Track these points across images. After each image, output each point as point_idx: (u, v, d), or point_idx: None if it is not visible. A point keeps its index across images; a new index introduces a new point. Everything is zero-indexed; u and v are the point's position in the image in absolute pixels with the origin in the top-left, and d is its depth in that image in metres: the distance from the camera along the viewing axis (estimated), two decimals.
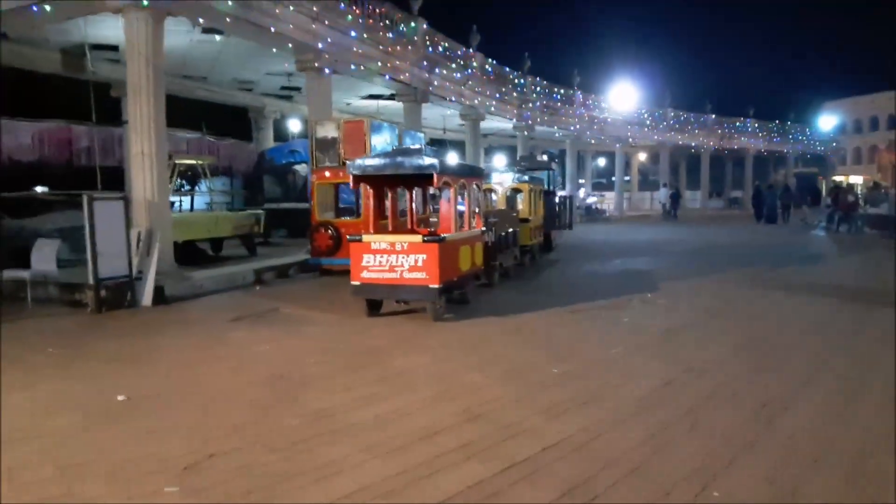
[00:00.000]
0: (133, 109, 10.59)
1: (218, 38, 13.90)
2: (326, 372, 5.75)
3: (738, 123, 44.20)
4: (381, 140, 12.61)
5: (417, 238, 7.64)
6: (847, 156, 56.53)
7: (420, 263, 7.60)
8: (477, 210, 9.71)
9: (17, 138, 16.94)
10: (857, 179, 43.96)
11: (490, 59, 24.88)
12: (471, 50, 23.26)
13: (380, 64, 16.60)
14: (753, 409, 4.54)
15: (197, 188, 20.01)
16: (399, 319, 8.04)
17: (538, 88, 29.50)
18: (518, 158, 19.29)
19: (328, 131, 12.67)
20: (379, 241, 7.83)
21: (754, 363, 5.85)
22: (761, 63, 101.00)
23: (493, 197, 13.45)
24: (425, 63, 19.05)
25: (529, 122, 28.65)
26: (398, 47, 17.23)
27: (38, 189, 15.04)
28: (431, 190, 10.75)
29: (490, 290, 10.42)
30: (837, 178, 39.71)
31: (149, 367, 6.10)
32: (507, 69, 26.82)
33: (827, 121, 51.30)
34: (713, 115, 42.52)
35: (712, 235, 22.93)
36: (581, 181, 44.64)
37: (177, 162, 13.68)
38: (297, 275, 12.78)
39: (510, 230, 11.77)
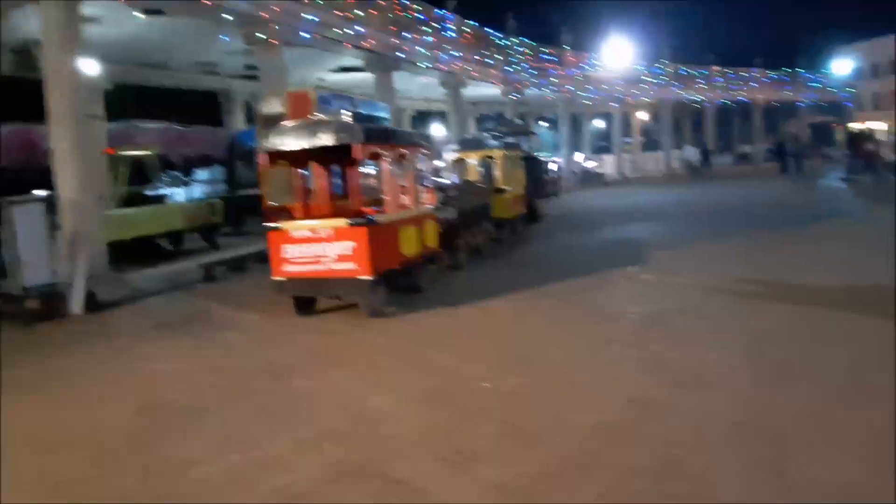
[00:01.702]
0: (52, 102, 9.49)
1: (143, 16, 12.58)
2: (213, 399, 4.61)
3: (743, 74, 42.04)
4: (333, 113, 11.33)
5: (342, 222, 6.40)
6: (864, 101, 53.95)
7: (349, 252, 6.37)
8: (427, 183, 8.46)
9: None
10: (878, 126, 41.63)
11: (468, 21, 23.31)
12: (445, 12, 21.71)
13: (338, 31, 15.20)
14: (758, 453, 3.15)
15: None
16: (332, 318, 6.85)
17: (524, 49, 27.85)
18: (496, 123, 17.90)
19: (273, 107, 11.35)
20: (299, 228, 6.61)
21: (759, 374, 4.34)
22: (766, 7, 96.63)
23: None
24: (393, 28, 17.59)
25: (517, 85, 27.06)
26: (358, 11, 15.79)
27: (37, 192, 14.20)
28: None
29: (455, 272, 9.21)
30: (856, 126, 37.66)
31: (18, 399, 4.97)
32: (489, 30, 25.20)
33: (841, 65, 48.51)
34: (716, 67, 40.45)
35: (720, 194, 21.46)
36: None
37: (122, 154, 12.51)
38: (252, 267, 11.63)
39: (479, 203, 10.50)
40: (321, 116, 6.70)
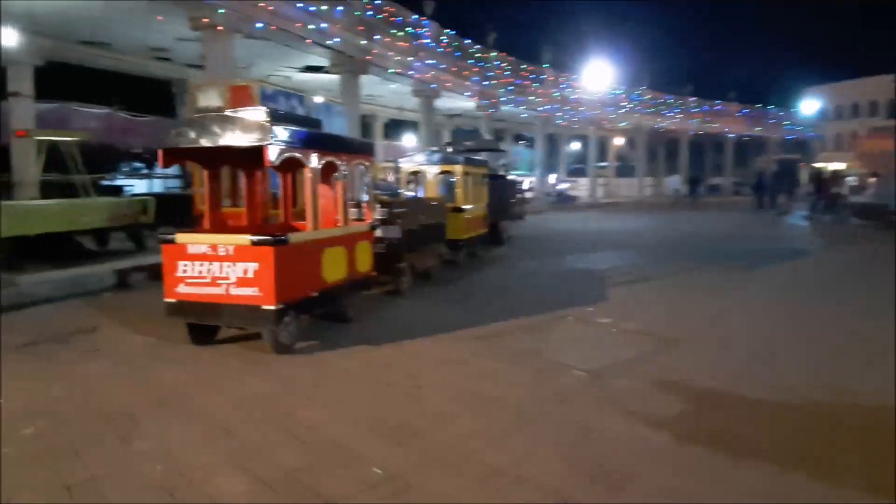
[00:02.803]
0: None
1: None
2: (17, 458, 3.55)
3: (718, 107, 42.16)
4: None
5: (245, 239, 5.38)
6: (827, 142, 54.94)
7: (251, 275, 5.35)
8: (365, 198, 7.49)
9: None
10: (838, 166, 42.08)
11: (446, 30, 22.48)
12: (423, 18, 20.84)
13: (299, 25, 14.19)
14: None
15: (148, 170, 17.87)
16: (231, 350, 5.80)
17: (504, 64, 27.11)
18: (463, 137, 17.02)
19: (211, 99, 10.31)
20: (197, 242, 5.57)
21: (720, 462, 3.56)
22: (744, 44, 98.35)
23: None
24: (362, 28, 16.63)
25: (493, 100, 26.27)
26: (324, 7, 14.81)
27: None
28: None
29: (395, 299, 8.23)
30: (823, 167, 37.85)
31: None
32: (468, 41, 24.41)
33: (809, 106, 49.38)
34: (693, 98, 40.38)
35: (688, 224, 20.97)
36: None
37: (38, 139, 11.27)
38: None
39: (430, 222, 9.54)
40: (232, 112, 5.69)
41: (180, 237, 5.64)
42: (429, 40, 21.03)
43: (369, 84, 20.95)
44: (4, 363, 5.53)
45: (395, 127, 34.24)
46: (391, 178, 16.04)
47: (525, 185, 26.73)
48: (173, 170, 19.84)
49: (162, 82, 20.22)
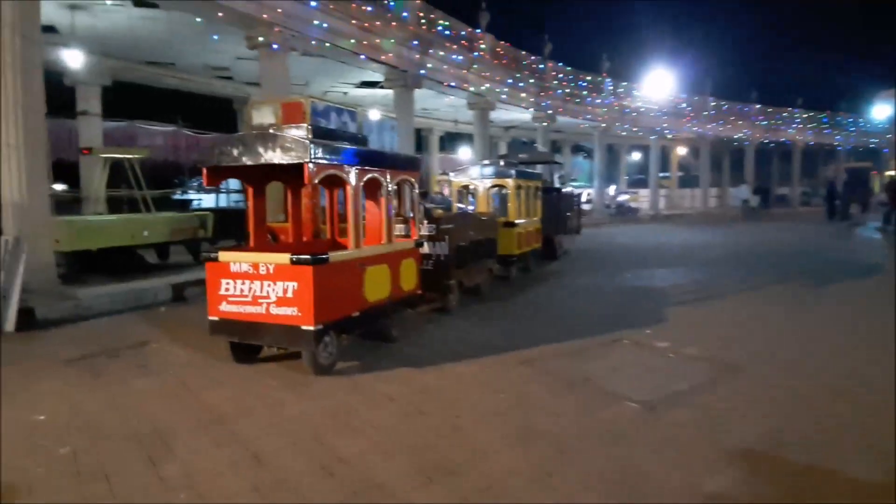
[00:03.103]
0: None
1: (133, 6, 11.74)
2: (48, 478, 3.53)
3: (785, 114, 40.34)
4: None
5: (285, 258, 5.28)
6: None
7: (290, 294, 5.25)
8: (411, 214, 7.33)
9: None
10: None
11: (502, 42, 22.29)
12: (478, 30, 20.72)
13: (354, 42, 14.26)
14: None
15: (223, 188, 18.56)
16: (270, 370, 5.70)
17: (560, 75, 26.69)
18: (517, 149, 16.74)
19: (264, 116, 10.40)
20: (239, 260, 5.51)
21: None
22: (810, 48, 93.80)
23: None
24: (416, 43, 16.61)
25: (550, 111, 25.88)
26: (378, 23, 14.86)
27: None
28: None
29: (443, 317, 8.03)
30: (893, 173, 35.59)
31: None
32: (523, 52, 24.14)
33: (881, 110, 46.38)
34: (758, 105, 38.78)
35: (756, 237, 19.99)
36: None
37: (102, 156, 11.66)
38: None
39: (480, 238, 9.31)
40: (276, 129, 5.65)
41: (223, 255, 5.61)
42: (484, 52, 20.88)
43: (424, 98, 20.96)
44: (55, 376, 5.63)
45: (450, 140, 34.26)
46: (446, 191, 15.90)
47: (583, 197, 26.20)
48: (237, 184, 20.32)
49: (224, 100, 20.77)
